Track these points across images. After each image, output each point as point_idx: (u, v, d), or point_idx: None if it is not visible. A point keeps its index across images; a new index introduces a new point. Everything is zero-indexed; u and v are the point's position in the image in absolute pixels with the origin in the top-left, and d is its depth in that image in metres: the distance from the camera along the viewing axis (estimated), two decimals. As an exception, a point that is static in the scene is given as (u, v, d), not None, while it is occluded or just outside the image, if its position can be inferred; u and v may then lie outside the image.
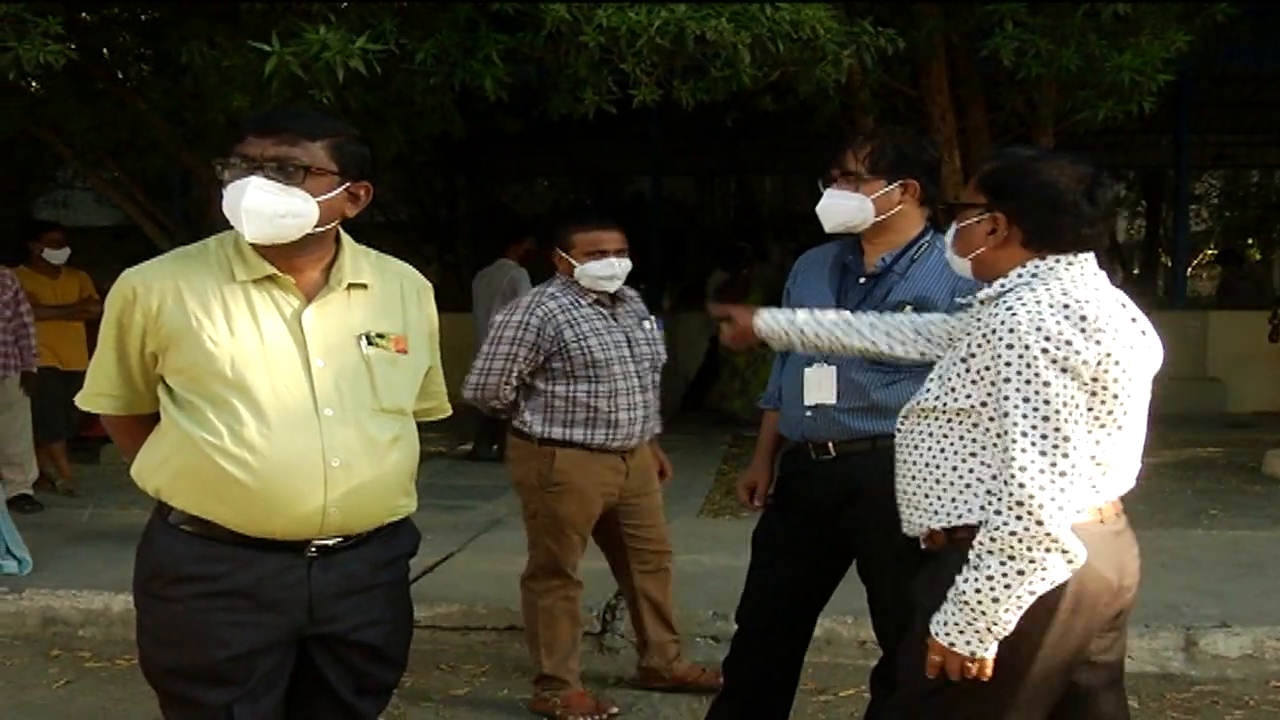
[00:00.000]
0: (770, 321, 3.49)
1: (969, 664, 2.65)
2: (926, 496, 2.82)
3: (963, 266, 2.93)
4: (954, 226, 2.92)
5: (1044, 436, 2.55)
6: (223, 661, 2.73)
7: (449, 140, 9.91)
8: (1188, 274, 15.90)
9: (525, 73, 7.15)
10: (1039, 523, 2.53)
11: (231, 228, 2.77)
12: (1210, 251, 23.05)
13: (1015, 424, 2.57)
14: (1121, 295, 2.82)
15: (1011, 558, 2.56)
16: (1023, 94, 8.41)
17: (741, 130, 9.72)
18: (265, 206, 2.67)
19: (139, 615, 2.85)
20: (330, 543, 2.78)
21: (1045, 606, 2.62)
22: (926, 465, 2.81)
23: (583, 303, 4.78)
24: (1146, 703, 5.04)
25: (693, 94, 6.77)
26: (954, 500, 2.76)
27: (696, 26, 6.09)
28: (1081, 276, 2.74)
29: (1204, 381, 13.12)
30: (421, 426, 3.03)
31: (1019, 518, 2.55)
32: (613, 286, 4.80)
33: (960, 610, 2.62)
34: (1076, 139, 10.26)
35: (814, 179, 3.84)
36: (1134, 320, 2.77)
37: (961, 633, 2.63)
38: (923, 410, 2.82)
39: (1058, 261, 2.75)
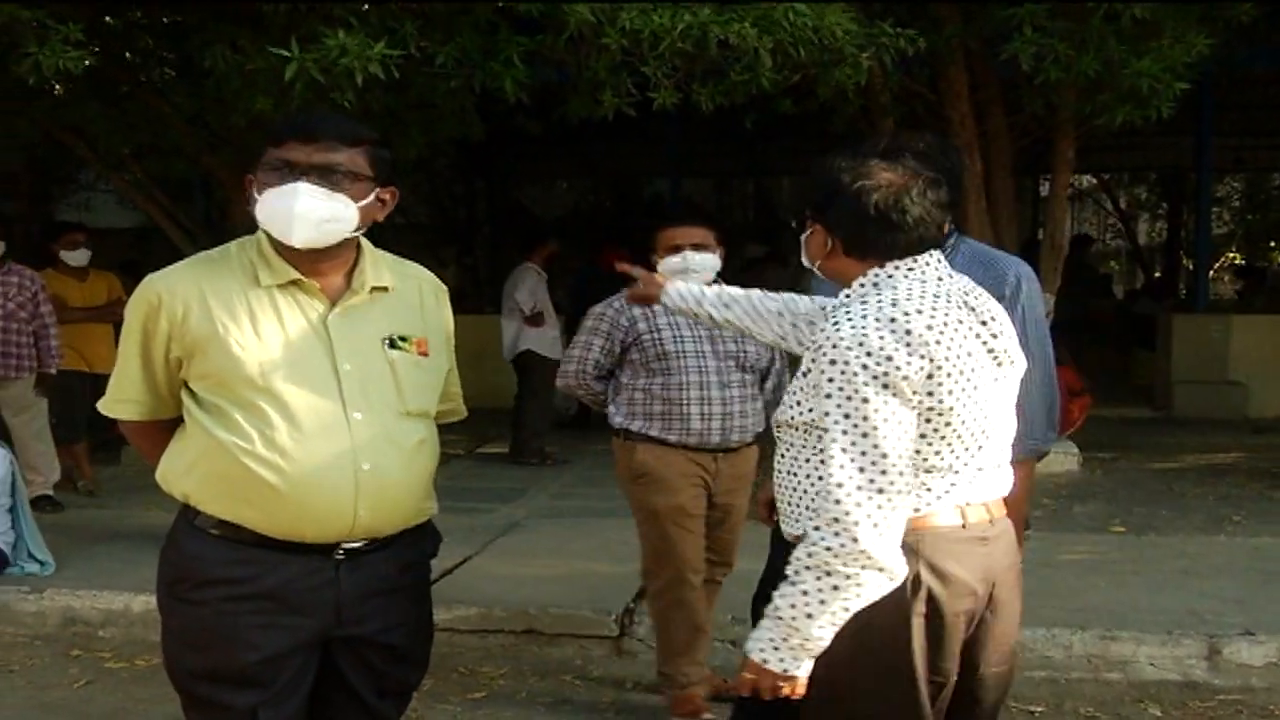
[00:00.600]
0: (676, 296, 3.55)
1: (781, 682, 2.63)
2: (786, 504, 2.84)
3: (820, 274, 2.92)
4: (802, 238, 2.92)
5: (863, 453, 2.53)
6: (252, 664, 2.74)
7: (468, 143, 9.92)
8: (1209, 277, 15.80)
9: (545, 75, 7.15)
10: (854, 539, 2.51)
11: (252, 232, 2.80)
12: (1231, 256, 23.00)
13: (835, 440, 2.55)
14: (973, 295, 2.79)
15: (827, 574, 2.54)
16: (1042, 97, 8.38)
17: (760, 132, 9.71)
18: (313, 212, 2.69)
19: (164, 619, 2.85)
20: (358, 545, 2.80)
21: (899, 609, 2.61)
22: (784, 474, 2.84)
23: None
24: (1169, 711, 5.02)
25: (712, 97, 6.76)
26: (802, 509, 2.76)
27: (720, 30, 6.09)
28: (922, 282, 2.71)
29: (1226, 385, 13.05)
30: (441, 427, 3.04)
31: (836, 534, 2.52)
32: (691, 280, 4.75)
33: (775, 626, 2.61)
34: (1097, 141, 10.24)
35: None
36: (985, 323, 2.75)
37: (776, 649, 2.61)
38: (778, 423, 2.85)
39: (897, 268, 2.72)
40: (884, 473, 2.53)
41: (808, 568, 2.56)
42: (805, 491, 2.76)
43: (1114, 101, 7.50)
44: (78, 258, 8.87)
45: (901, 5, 7.64)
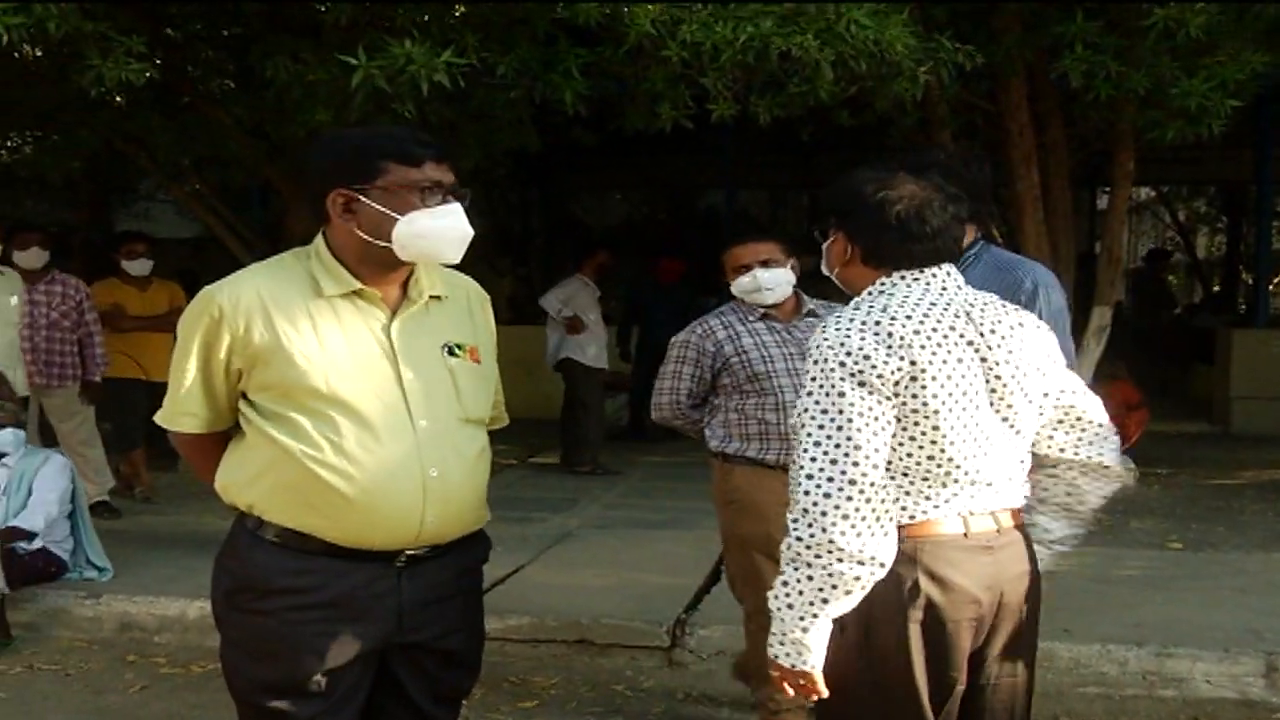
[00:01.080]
0: None
1: (797, 678, 2.69)
2: None
3: (838, 283, 2.97)
4: (823, 247, 2.97)
5: (836, 445, 2.58)
6: (316, 675, 2.77)
7: (524, 154, 9.97)
8: (1269, 291, 15.59)
9: (602, 87, 7.17)
10: (823, 530, 2.55)
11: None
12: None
13: (810, 434, 2.61)
14: (979, 307, 2.81)
15: (806, 565, 2.59)
16: (1095, 112, 8.32)
17: (816, 144, 9.70)
18: (467, 231, 2.85)
19: (223, 629, 2.87)
20: (419, 552, 2.83)
21: (899, 616, 2.66)
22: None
23: (749, 318, 4.76)
24: (1225, 729, 4.97)
25: (770, 109, 6.76)
26: None
27: (782, 42, 6.08)
28: (923, 290, 2.76)
29: (1286, 401, 12.90)
30: (493, 437, 3.09)
31: (808, 526, 2.57)
32: (767, 298, 4.73)
33: (775, 622, 2.67)
34: (1156, 154, 10.14)
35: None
36: (983, 335, 2.76)
37: (781, 644, 2.67)
38: (793, 425, 2.85)
39: (902, 278, 2.78)
40: (856, 464, 2.57)
41: (789, 561, 2.62)
42: None
43: (1165, 118, 7.44)
44: (138, 267, 8.96)
45: (962, 17, 7.62)
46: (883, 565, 2.60)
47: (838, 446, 2.58)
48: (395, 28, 6.54)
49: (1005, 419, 2.80)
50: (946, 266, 2.82)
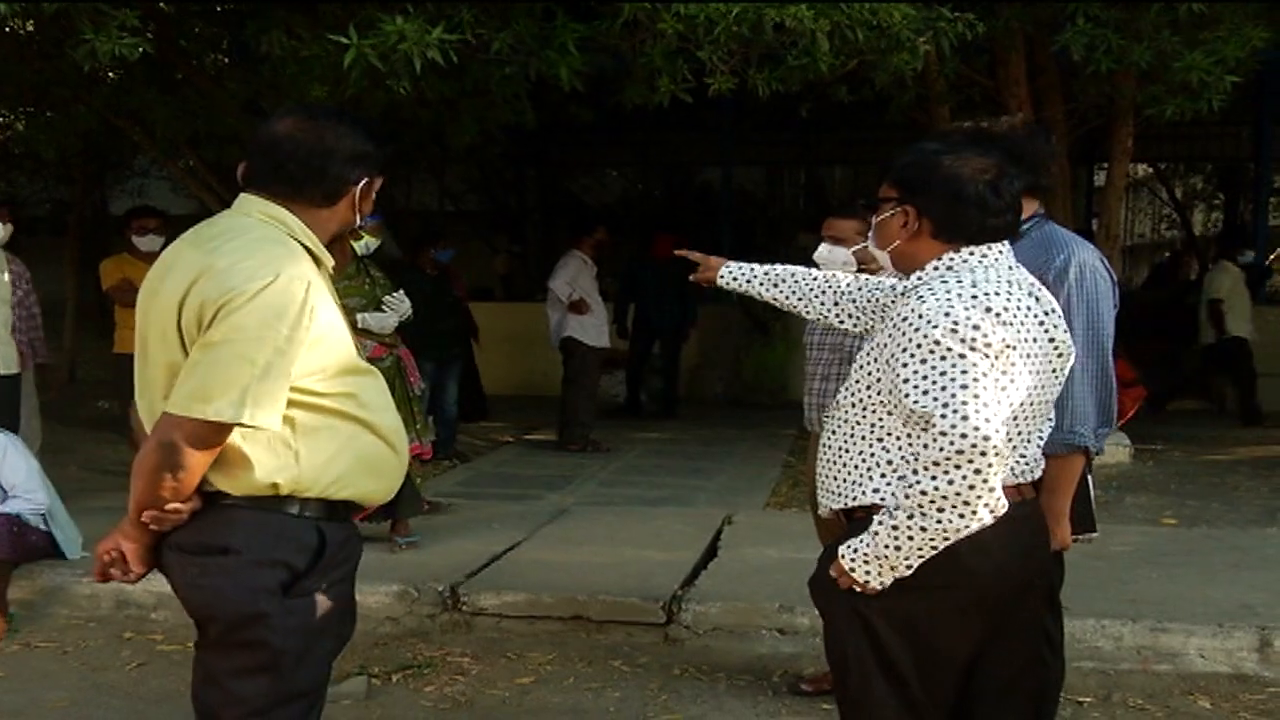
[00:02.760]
0: (729, 276, 3.68)
1: (857, 588, 2.78)
2: (835, 479, 2.90)
3: (885, 260, 2.99)
4: (873, 220, 2.99)
5: (964, 402, 2.58)
6: (349, 635, 3.00)
7: (520, 130, 9.94)
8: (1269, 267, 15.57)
9: (600, 62, 7.15)
10: (950, 482, 2.58)
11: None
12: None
13: (935, 397, 2.61)
14: (1037, 286, 2.87)
15: (939, 510, 2.60)
16: (1098, 86, 8.31)
17: (813, 121, 9.68)
18: None
19: (279, 624, 2.75)
20: None
21: (927, 567, 2.69)
22: (836, 449, 2.90)
23: None
24: (1219, 703, 4.97)
25: (768, 83, 6.74)
26: (855, 483, 2.84)
27: (776, 14, 6.07)
28: (994, 268, 2.80)
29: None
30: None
31: (934, 477, 2.59)
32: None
33: (884, 547, 2.70)
34: (1155, 131, 10.14)
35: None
36: (1048, 314, 2.82)
37: (878, 571, 2.72)
38: (842, 403, 2.91)
39: (971, 254, 2.81)
40: (988, 420, 2.58)
41: (917, 506, 2.62)
42: (859, 465, 2.82)
43: (1164, 94, 7.44)
44: (148, 243, 8.76)
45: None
46: (995, 517, 2.64)
47: (965, 404, 2.58)
48: (390, 3, 6.51)
49: (1048, 396, 2.87)
50: (1004, 244, 2.85)
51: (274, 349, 2.62)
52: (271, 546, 2.76)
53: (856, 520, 2.84)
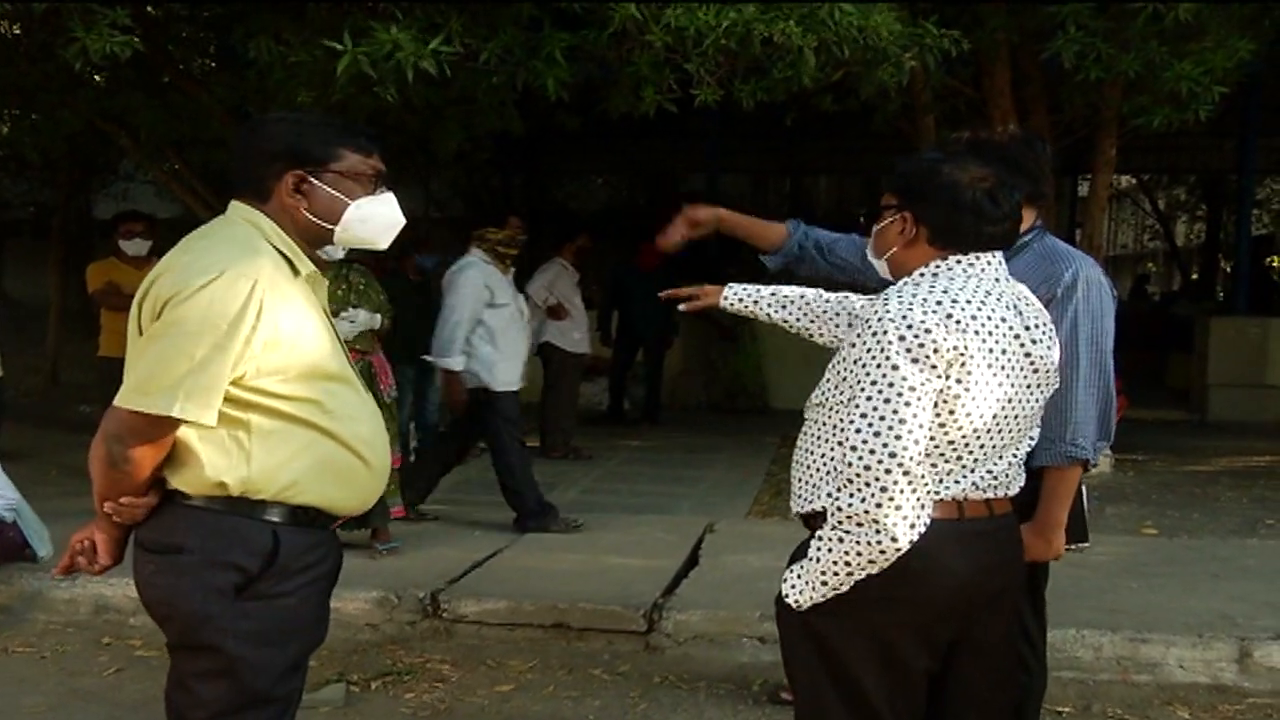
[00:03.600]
0: (735, 299, 3.62)
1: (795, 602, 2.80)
2: (799, 481, 2.92)
3: (882, 268, 2.99)
4: (874, 229, 3.00)
5: (882, 419, 2.60)
6: (320, 641, 2.95)
7: (507, 137, 9.95)
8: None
9: (586, 71, 7.16)
10: (861, 501, 2.60)
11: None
12: (1273, 260, 22.79)
13: (858, 405, 2.64)
14: (1023, 299, 2.88)
15: (845, 530, 2.64)
16: (1083, 96, 8.34)
17: (798, 130, 9.70)
18: (400, 219, 2.97)
19: (231, 627, 2.73)
20: None
21: (884, 588, 2.68)
22: (804, 452, 2.92)
23: None
24: (1198, 714, 4.99)
25: (753, 94, 6.76)
26: (814, 486, 2.85)
27: (764, 29, 6.08)
28: (978, 277, 2.80)
29: (1263, 389, 12.96)
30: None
31: (849, 495, 2.62)
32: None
33: (803, 564, 2.76)
34: (1139, 142, 10.17)
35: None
36: (1029, 329, 2.81)
37: (794, 586, 2.77)
38: (812, 404, 2.91)
39: (958, 262, 2.81)
40: (899, 438, 2.59)
41: (831, 524, 2.66)
42: (819, 468, 2.83)
43: (1152, 104, 7.47)
44: (135, 247, 8.73)
45: (947, 1, 7.63)
46: (911, 542, 2.63)
47: (882, 419, 2.60)
48: (379, 11, 6.52)
49: (1028, 411, 2.86)
50: (998, 255, 2.85)
51: (212, 344, 2.61)
52: (223, 548, 2.74)
53: (812, 525, 2.85)
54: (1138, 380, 12.43)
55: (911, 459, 2.60)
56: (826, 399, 2.83)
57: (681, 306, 3.79)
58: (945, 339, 2.62)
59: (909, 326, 2.62)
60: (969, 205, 2.78)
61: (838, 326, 3.42)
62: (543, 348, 10.32)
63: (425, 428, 9.76)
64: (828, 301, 3.46)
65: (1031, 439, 2.95)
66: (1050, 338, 2.89)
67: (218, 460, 2.70)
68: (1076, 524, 3.67)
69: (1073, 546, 3.67)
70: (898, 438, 2.59)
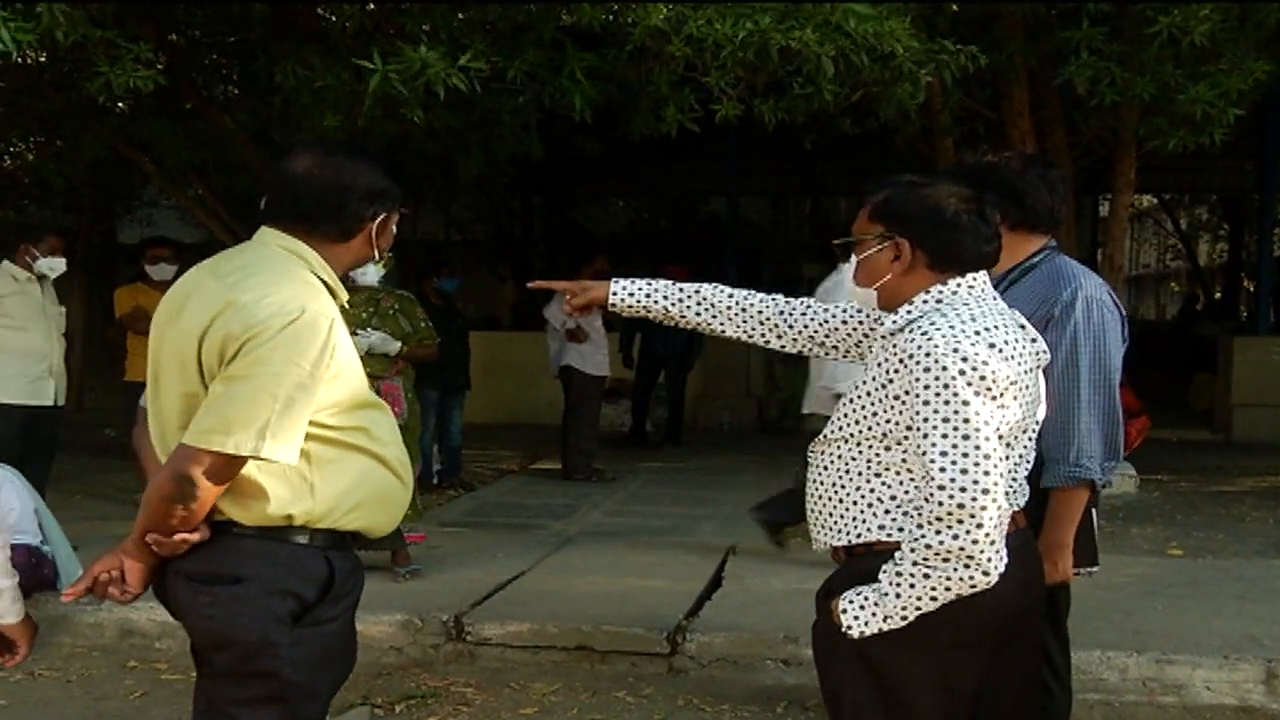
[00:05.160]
0: (625, 295, 3.31)
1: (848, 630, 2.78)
2: (830, 515, 2.89)
3: (866, 297, 2.95)
4: (854, 259, 2.95)
5: (965, 455, 2.60)
6: (354, 662, 3.03)
7: (526, 161, 9.99)
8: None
9: (607, 92, 7.19)
10: (955, 538, 2.60)
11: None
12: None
13: (935, 444, 2.62)
14: (1018, 315, 2.89)
15: (931, 567, 2.63)
16: (1100, 119, 8.35)
17: (818, 152, 9.72)
18: None
19: (287, 655, 2.77)
20: None
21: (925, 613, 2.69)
22: (832, 486, 2.88)
23: None
24: (1225, 736, 4.97)
25: (774, 111, 6.77)
26: (855, 519, 2.83)
27: (781, 38, 6.10)
28: (983, 299, 2.81)
29: (1287, 409, 12.91)
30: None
31: (937, 532, 2.61)
32: None
33: (875, 597, 2.72)
34: (1159, 162, 10.17)
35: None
36: (1034, 340, 2.86)
37: (858, 617, 2.73)
38: (830, 439, 2.89)
39: (959, 285, 2.80)
40: (987, 474, 2.60)
41: (915, 560, 2.64)
42: (857, 501, 2.81)
43: (1167, 126, 7.47)
44: (160, 271, 8.78)
45: (964, 24, 7.65)
46: (999, 574, 2.65)
47: (966, 455, 2.60)
48: (403, 33, 6.56)
49: (1036, 425, 2.88)
50: (984, 274, 2.86)
51: (296, 384, 2.64)
52: (283, 576, 2.77)
53: (857, 556, 2.84)
54: (1161, 400, 12.39)
55: (1000, 492, 2.62)
56: (850, 434, 2.82)
57: (565, 307, 3.44)
58: (1000, 369, 2.65)
59: (964, 360, 2.62)
60: (966, 226, 2.78)
61: (747, 324, 3.25)
62: (563, 371, 10.34)
63: (449, 450, 9.79)
64: (735, 298, 3.27)
65: (1033, 446, 2.95)
66: (1042, 342, 2.91)
67: (282, 492, 2.73)
68: (1086, 547, 3.65)
69: (1081, 570, 3.65)
70: (986, 473, 2.59)
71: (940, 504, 2.60)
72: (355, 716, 5.04)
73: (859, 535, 2.82)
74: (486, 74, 6.45)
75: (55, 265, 7.69)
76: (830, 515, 2.89)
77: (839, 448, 2.86)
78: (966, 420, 2.60)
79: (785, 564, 6.85)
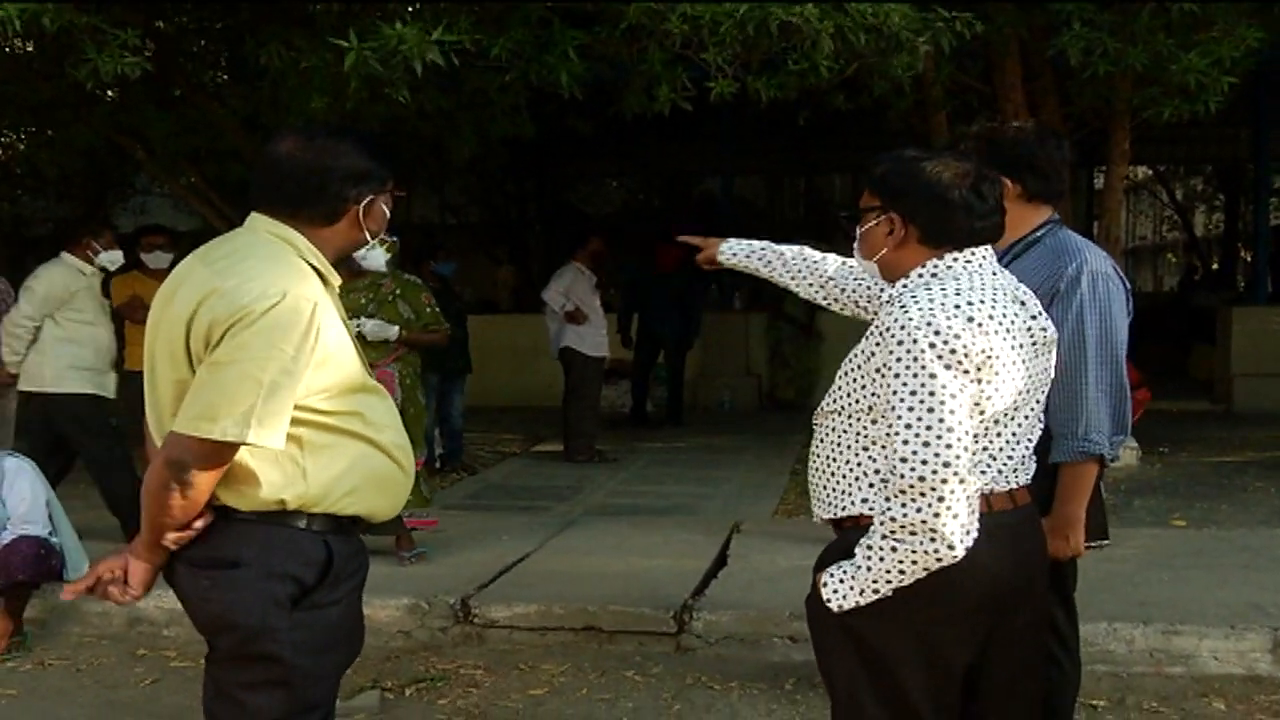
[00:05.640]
0: (729, 253, 3.71)
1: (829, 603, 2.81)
2: (824, 488, 2.91)
3: (871, 269, 2.97)
4: (858, 231, 2.97)
5: (928, 428, 2.60)
6: (360, 646, 3.02)
7: (519, 143, 9.97)
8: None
9: (598, 71, 7.16)
10: (918, 510, 2.60)
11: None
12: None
13: (900, 416, 2.63)
14: (1022, 290, 2.87)
15: (899, 540, 2.63)
16: (1094, 90, 8.33)
17: (812, 130, 9.70)
18: None
19: (286, 639, 2.76)
20: None
21: (912, 586, 2.69)
22: (825, 458, 2.90)
23: None
24: (1234, 705, 4.97)
25: (768, 89, 6.75)
26: (843, 493, 2.84)
27: (783, 13, 6.07)
28: (979, 273, 2.80)
29: (1288, 378, 12.93)
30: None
31: (902, 505, 2.62)
32: None
33: (847, 569, 2.75)
34: (1153, 133, 10.15)
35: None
36: (1034, 317, 2.83)
37: (836, 590, 2.76)
38: (827, 411, 2.90)
39: (955, 260, 2.80)
40: (949, 446, 2.59)
41: (883, 533, 2.65)
42: (846, 474, 2.83)
43: (1161, 96, 7.45)
44: (156, 260, 8.73)
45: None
46: (967, 549, 2.63)
47: (929, 428, 2.60)
48: (388, 13, 6.53)
49: (1042, 397, 2.87)
50: (988, 249, 2.85)
51: (280, 368, 2.62)
52: (281, 560, 2.76)
53: (845, 530, 2.84)
54: (1161, 372, 12.40)
55: (964, 466, 2.60)
56: (843, 406, 2.83)
57: (698, 258, 3.84)
58: (973, 343, 2.63)
59: (936, 333, 2.62)
60: (958, 201, 2.77)
61: (810, 284, 3.53)
62: (563, 353, 10.34)
63: (450, 434, 9.79)
64: (803, 260, 3.56)
65: (1041, 422, 2.94)
66: (1048, 320, 2.89)
67: (274, 478, 2.72)
68: (1096, 521, 3.65)
69: (1093, 544, 3.65)
70: (948, 446, 2.59)
71: (902, 476, 2.60)
72: (365, 700, 5.04)
73: (844, 509, 2.84)
74: (470, 50, 6.41)
75: (115, 258, 7.71)
76: (823, 488, 2.90)
77: (834, 420, 2.87)
78: (932, 393, 2.60)
79: (790, 541, 6.86)
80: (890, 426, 2.66)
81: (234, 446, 2.64)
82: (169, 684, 5.41)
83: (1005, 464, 2.79)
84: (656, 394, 12.66)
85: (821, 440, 2.92)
